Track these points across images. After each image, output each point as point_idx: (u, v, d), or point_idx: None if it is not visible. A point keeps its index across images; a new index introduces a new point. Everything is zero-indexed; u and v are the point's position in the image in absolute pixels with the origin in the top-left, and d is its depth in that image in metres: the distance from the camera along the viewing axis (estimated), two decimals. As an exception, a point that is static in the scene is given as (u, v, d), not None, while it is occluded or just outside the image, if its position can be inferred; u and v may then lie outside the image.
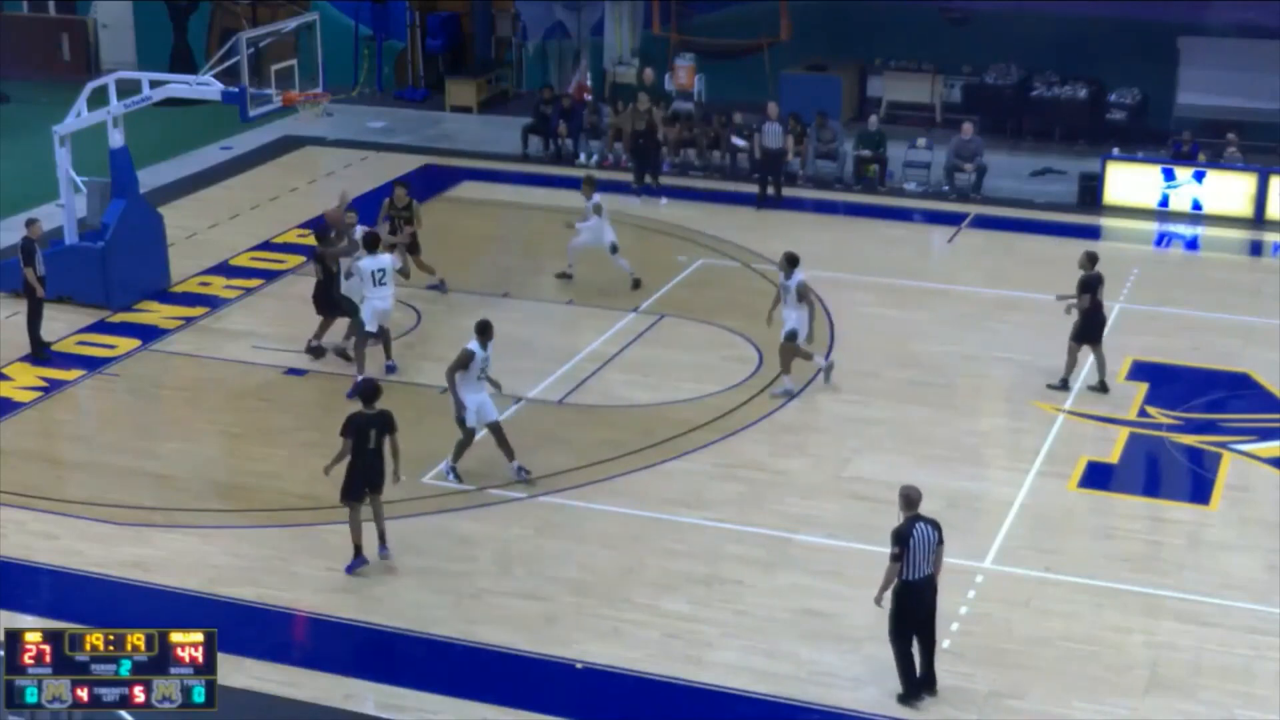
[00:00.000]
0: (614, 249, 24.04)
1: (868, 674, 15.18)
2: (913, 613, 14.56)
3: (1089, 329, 20.78)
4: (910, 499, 14.61)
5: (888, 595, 14.56)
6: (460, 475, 18.72)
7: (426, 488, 18.61)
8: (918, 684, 14.77)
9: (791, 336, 20.58)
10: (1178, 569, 17.02)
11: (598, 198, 24.12)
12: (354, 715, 14.72)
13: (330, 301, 21.79)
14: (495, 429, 18.59)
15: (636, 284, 24.20)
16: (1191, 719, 14.64)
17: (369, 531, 16.89)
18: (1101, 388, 20.87)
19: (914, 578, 14.42)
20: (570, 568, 17.01)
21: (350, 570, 16.83)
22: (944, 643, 15.59)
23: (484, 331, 18.38)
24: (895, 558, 14.37)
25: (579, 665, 15.38)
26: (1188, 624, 16.01)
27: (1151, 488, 19.28)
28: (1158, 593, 16.53)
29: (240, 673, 14.97)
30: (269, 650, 15.60)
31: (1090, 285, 20.67)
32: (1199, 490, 18.81)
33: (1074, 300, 20.78)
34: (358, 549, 16.85)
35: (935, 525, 14.54)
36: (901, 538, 14.36)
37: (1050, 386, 20.85)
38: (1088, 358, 20.98)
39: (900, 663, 14.71)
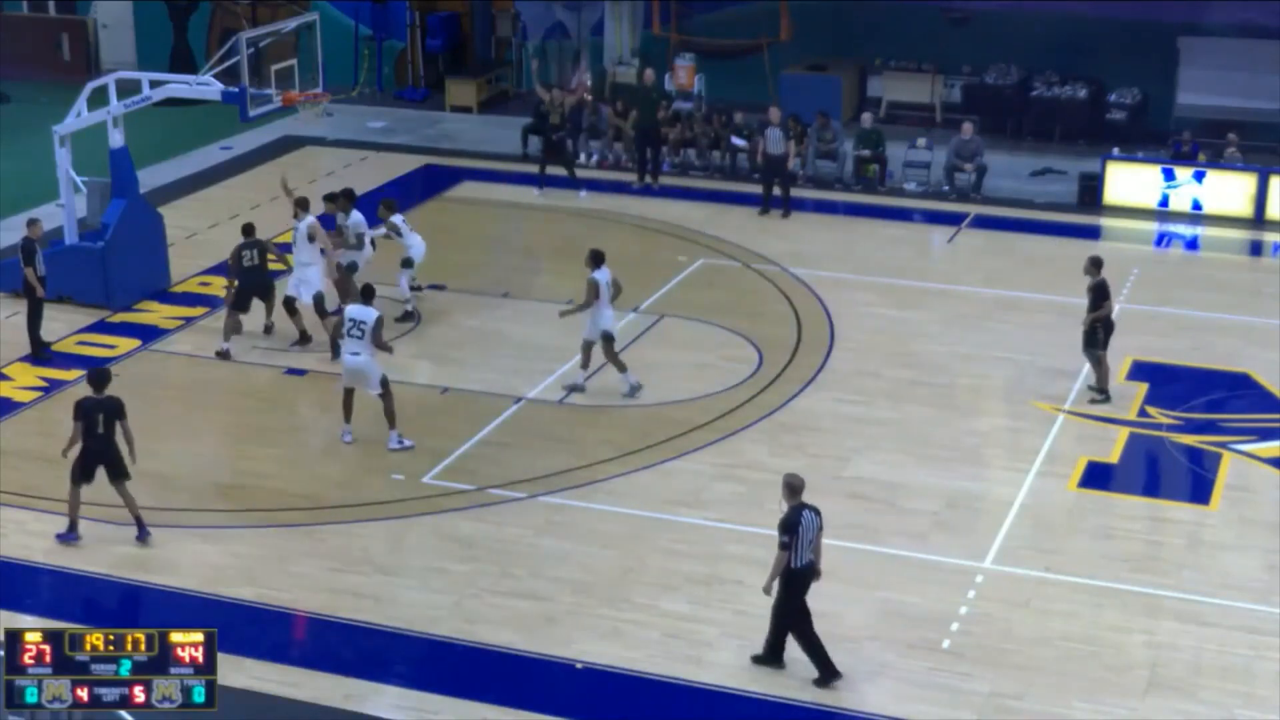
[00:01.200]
0: (408, 263, 23.30)
1: (867, 674, 15.18)
2: (800, 599, 14.81)
3: (1109, 334, 20.69)
4: (794, 487, 14.84)
5: (775, 584, 14.82)
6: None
7: (428, 487, 18.63)
8: (832, 665, 14.97)
9: (607, 338, 20.68)
10: (1177, 569, 17.03)
11: (398, 219, 23.39)
12: (354, 715, 14.72)
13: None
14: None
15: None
16: (1192, 719, 14.64)
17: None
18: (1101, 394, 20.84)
19: (799, 565, 14.67)
20: (570, 568, 17.01)
21: (60, 539, 17.48)
22: (944, 643, 15.64)
23: (370, 294, 19.51)
24: (785, 546, 14.62)
25: (579, 665, 15.38)
26: (1187, 624, 16.01)
27: (1151, 488, 19.28)
28: (1158, 593, 16.53)
29: (240, 672, 14.98)
30: (269, 650, 15.61)
31: (1107, 291, 20.62)
32: (1199, 490, 18.81)
33: (1097, 313, 20.57)
34: (73, 523, 17.51)
35: (818, 512, 14.83)
36: (790, 526, 14.59)
37: (1094, 401, 20.65)
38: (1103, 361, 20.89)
39: (810, 649, 14.91)
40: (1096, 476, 19.01)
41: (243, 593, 16.55)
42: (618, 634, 15.82)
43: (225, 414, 20.69)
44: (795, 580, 14.72)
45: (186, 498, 18.46)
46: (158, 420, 20.57)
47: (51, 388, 21.30)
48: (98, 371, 17.54)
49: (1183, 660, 15.45)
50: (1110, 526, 17.91)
